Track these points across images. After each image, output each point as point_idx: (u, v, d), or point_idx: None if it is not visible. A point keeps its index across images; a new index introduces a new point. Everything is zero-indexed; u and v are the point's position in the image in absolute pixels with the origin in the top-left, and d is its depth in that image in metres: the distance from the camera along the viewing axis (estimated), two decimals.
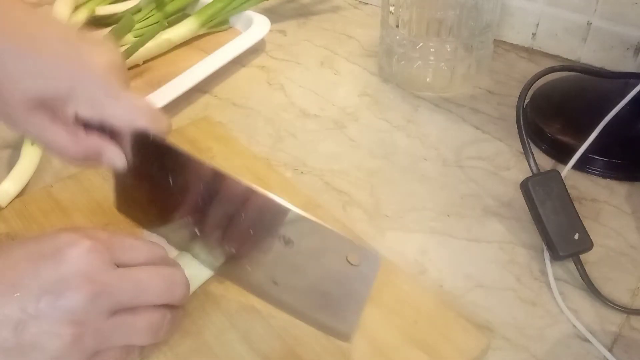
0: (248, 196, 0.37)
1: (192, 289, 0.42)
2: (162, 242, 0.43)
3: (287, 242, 0.38)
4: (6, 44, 0.36)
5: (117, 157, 0.39)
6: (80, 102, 0.37)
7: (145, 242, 0.39)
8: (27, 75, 0.36)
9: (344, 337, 0.39)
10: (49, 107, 0.37)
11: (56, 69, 0.36)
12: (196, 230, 0.41)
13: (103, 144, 0.39)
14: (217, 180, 0.38)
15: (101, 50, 0.38)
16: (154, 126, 0.38)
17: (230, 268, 0.42)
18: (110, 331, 0.33)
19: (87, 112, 0.37)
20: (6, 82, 0.36)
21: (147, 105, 0.39)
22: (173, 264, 0.39)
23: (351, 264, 0.36)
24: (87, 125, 0.39)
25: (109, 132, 0.39)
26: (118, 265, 0.34)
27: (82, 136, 0.38)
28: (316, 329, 0.40)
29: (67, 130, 0.38)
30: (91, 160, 0.39)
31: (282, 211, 0.37)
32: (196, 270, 0.43)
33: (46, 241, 0.33)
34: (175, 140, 0.46)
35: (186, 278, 0.38)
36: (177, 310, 0.37)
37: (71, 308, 0.31)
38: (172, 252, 0.43)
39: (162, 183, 0.40)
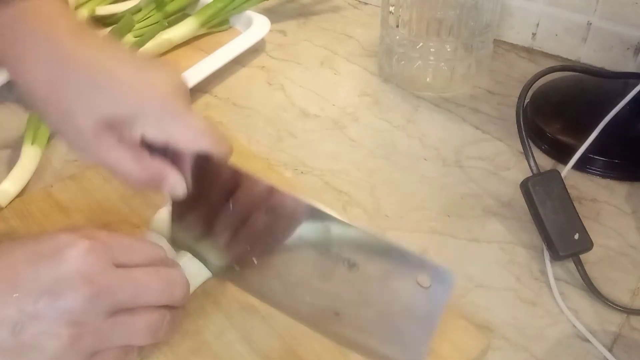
0: (315, 218, 0.36)
1: (191, 288, 0.41)
2: (162, 242, 0.43)
3: (352, 265, 0.35)
4: (79, 68, 0.37)
5: (178, 184, 0.40)
6: (146, 123, 0.38)
7: (145, 243, 0.39)
8: (98, 97, 0.37)
9: None
10: (116, 129, 0.38)
11: (125, 92, 0.37)
12: (254, 259, 0.40)
13: (166, 169, 0.39)
14: (281, 201, 0.37)
15: (165, 74, 0.39)
16: (217, 148, 0.39)
17: (284, 299, 0.40)
18: (108, 331, 0.33)
19: (153, 133, 0.38)
20: (78, 104, 0.37)
21: (211, 127, 0.39)
22: (172, 264, 0.39)
23: (421, 286, 0.33)
24: (152, 150, 0.39)
25: (171, 157, 0.39)
26: (117, 266, 0.34)
27: (147, 160, 0.39)
28: None
29: (133, 154, 0.38)
30: (153, 185, 0.40)
31: (347, 230, 0.35)
32: (195, 270, 0.43)
33: (45, 241, 0.33)
34: None
35: (186, 278, 0.38)
36: (177, 311, 0.37)
37: (69, 308, 0.31)
38: (171, 253, 0.43)
39: (221, 207, 0.40)
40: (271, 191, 0.38)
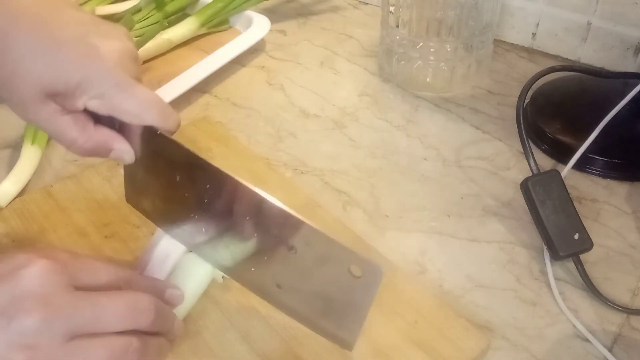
0: (253, 200, 0.37)
1: (197, 293, 0.41)
2: (175, 246, 0.42)
3: (290, 248, 0.38)
4: (22, 32, 0.36)
5: (125, 152, 0.39)
6: (89, 96, 0.37)
7: (110, 265, 0.35)
8: (40, 66, 0.36)
9: (346, 345, 0.39)
10: (59, 98, 0.37)
11: (68, 61, 0.36)
12: (203, 229, 0.41)
13: (112, 138, 0.39)
14: (222, 182, 0.38)
15: (114, 40, 0.38)
16: (162, 123, 0.38)
17: (234, 266, 0.42)
18: (65, 357, 0.30)
19: (96, 106, 0.37)
20: (20, 70, 0.36)
21: (157, 100, 0.38)
22: (145, 287, 0.36)
23: (353, 276, 0.35)
24: (97, 118, 0.39)
25: (118, 124, 0.39)
26: (77, 288, 0.32)
27: (92, 129, 0.38)
28: (319, 335, 0.40)
29: (77, 123, 0.37)
30: (100, 153, 0.39)
31: (284, 218, 0.37)
32: (201, 273, 0.42)
33: (3, 261, 0.31)
34: None
35: (155, 304, 0.34)
36: (154, 338, 0.34)
37: (23, 331, 0.29)
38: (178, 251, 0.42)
39: (169, 178, 0.40)
40: (215, 172, 0.37)
